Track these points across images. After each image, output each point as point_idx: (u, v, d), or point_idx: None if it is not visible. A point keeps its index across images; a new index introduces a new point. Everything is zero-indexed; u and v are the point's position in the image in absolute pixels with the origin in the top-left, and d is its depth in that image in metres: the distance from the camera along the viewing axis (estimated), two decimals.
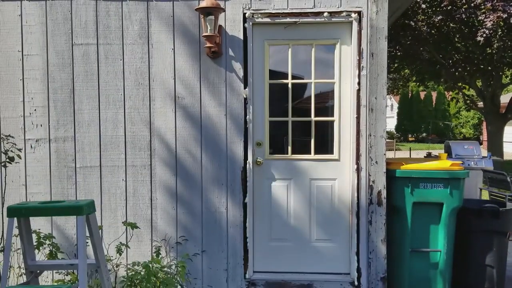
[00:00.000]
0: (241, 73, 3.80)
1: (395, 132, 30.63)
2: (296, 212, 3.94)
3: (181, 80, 3.83)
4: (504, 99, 17.17)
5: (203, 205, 3.84)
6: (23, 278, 3.54)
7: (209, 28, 3.61)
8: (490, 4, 9.82)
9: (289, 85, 3.93)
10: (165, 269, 3.53)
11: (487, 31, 10.02)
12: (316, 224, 3.94)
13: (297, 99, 4.10)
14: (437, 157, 4.43)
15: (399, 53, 13.18)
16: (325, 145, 3.99)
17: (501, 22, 9.87)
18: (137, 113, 3.85)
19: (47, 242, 3.55)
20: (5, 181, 3.89)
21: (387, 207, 3.78)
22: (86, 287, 2.59)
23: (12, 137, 3.73)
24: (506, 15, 9.65)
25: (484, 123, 19.10)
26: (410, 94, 31.66)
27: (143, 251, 3.85)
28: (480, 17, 10.14)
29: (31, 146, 3.88)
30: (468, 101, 18.82)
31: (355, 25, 3.74)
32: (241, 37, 3.79)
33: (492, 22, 9.72)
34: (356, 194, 3.79)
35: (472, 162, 5.51)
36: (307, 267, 3.94)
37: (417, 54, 12.99)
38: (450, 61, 13.43)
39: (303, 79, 4.05)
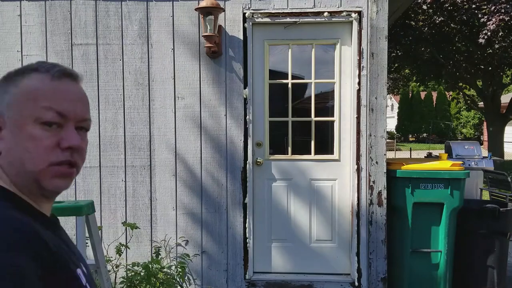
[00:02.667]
0: (241, 73, 3.79)
1: (395, 132, 30.62)
2: (296, 213, 3.93)
3: (181, 80, 3.82)
4: (504, 99, 17.17)
5: (203, 206, 3.83)
6: None
7: (208, 28, 3.60)
8: (494, 7, 9.81)
9: (289, 85, 3.92)
10: (165, 269, 3.52)
11: (489, 33, 10.02)
12: (316, 225, 3.93)
13: (297, 99, 4.09)
14: (437, 157, 4.41)
15: (399, 53, 13.18)
16: (325, 145, 3.98)
17: (502, 24, 9.86)
18: (137, 113, 3.84)
19: None
20: None
21: (388, 207, 3.77)
22: None
23: None
24: (508, 18, 9.64)
25: (485, 123, 19.11)
26: (410, 94, 31.65)
27: (143, 252, 3.85)
28: (482, 19, 10.13)
29: None
30: (468, 101, 18.82)
31: (355, 25, 3.73)
32: (241, 37, 3.78)
33: (494, 25, 9.72)
34: (356, 195, 3.78)
35: (473, 162, 5.49)
36: (307, 268, 3.93)
37: (418, 54, 12.99)
38: (451, 61, 13.42)
39: (303, 79, 4.04)
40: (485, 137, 21.55)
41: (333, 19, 3.75)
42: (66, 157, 0.89)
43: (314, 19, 3.76)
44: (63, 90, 0.91)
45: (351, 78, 3.82)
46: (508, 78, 17.60)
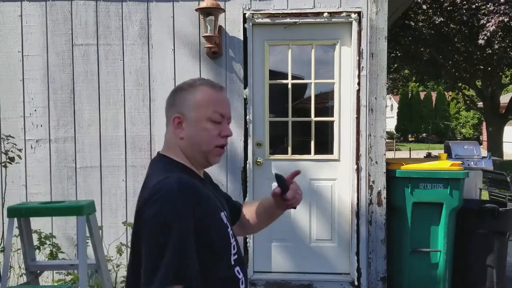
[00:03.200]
0: (241, 73, 3.80)
1: (395, 132, 30.63)
2: (296, 212, 3.93)
3: (181, 80, 3.77)
4: (503, 99, 17.19)
5: None
6: (23, 278, 3.54)
7: (209, 28, 3.61)
8: (493, 7, 9.81)
9: (289, 85, 3.93)
10: None
11: (488, 34, 10.03)
12: (316, 224, 3.94)
13: (297, 99, 4.11)
14: (437, 157, 4.43)
15: (399, 54, 13.19)
16: (325, 145, 3.99)
17: (501, 25, 9.86)
18: (137, 114, 3.85)
19: (48, 242, 3.56)
20: (6, 182, 3.89)
21: (387, 207, 3.79)
22: (87, 287, 2.59)
23: (13, 137, 3.72)
24: (507, 19, 9.65)
25: (484, 123, 19.13)
26: (410, 94, 31.67)
27: None
28: (482, 21, 10.13)
29: (32, 147, 3.89)
30: (468, 101, 18.85)
31: (355, 25, 3.75)
32: (241, 37, 3.79)
33: (494, 27, 9.72)
34: (356, 194, 3.79)
35: (472, 162, 5.49)
36: (307, 267, 3.94)
37: (417, 55, 13.00)
38: (450, 62, 13.44)
39: (303, 79, 4.05)
40: (484, 137, 21.57)
41: (332, 19, 3.76)
42: (223, 142, 1.40)
43: (314, 20, 3.77)
44: (222, 99, 1.41)
45: (350, 79, 3.83)
46: (507, 78, 17.61)
